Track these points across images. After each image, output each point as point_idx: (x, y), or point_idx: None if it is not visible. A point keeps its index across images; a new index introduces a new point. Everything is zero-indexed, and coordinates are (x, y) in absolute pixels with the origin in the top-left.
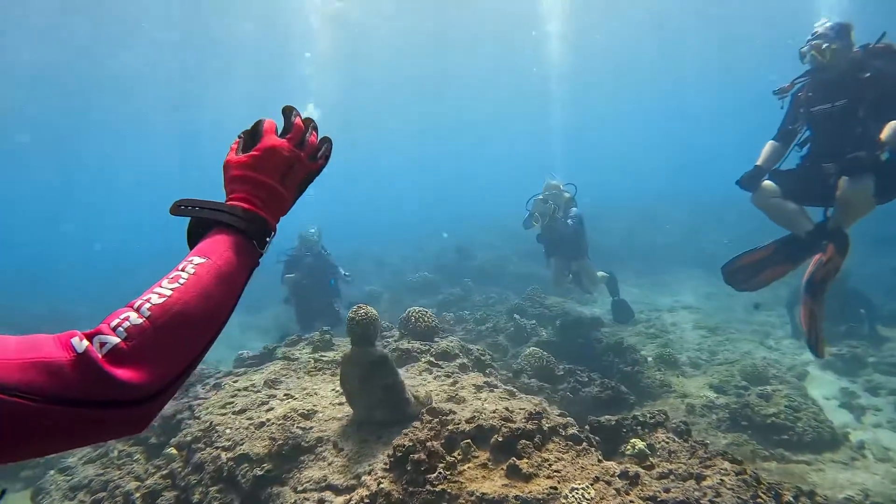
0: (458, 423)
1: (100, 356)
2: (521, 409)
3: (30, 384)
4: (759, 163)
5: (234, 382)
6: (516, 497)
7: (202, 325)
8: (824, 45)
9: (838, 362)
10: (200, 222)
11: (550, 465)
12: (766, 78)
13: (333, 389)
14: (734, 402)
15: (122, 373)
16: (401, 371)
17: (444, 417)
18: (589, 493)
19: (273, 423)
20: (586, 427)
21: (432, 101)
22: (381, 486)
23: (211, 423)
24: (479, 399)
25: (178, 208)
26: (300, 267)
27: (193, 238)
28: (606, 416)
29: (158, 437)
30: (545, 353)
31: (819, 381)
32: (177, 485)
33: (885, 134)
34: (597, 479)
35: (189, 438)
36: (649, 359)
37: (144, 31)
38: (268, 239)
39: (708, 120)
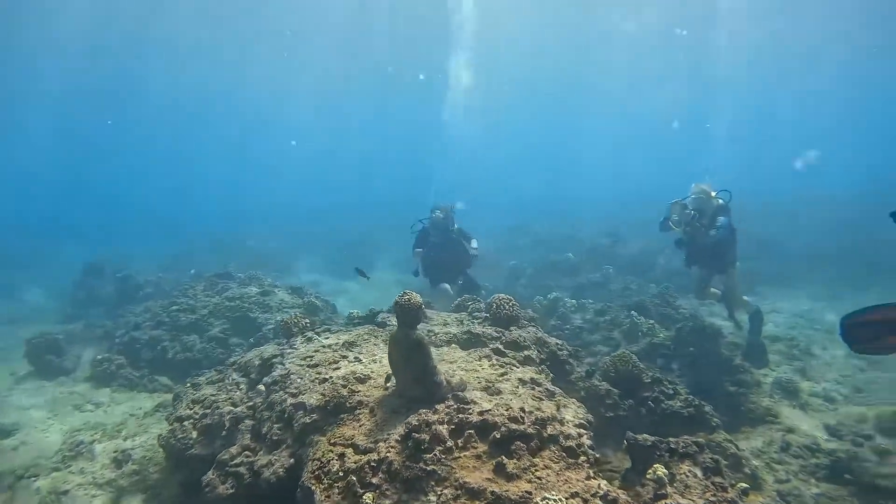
0: (471, 414)
1: None
2: (537, 411)
3: None
4: None
5: (324, 339)
6: (492, 493)
7: None
8: None
9: None
10: None
11: (536, 470)
12: None
13: None
14: (844, 450)
15: None
16: (462, 354)
17: (462, 405)
18: None
19: (331, 381)
20: (624, 441)
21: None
22: (388, 454)
23: (289, 371)
24: (514, 394)
25: None
26: (426, 243)
27: None
28: (645, 435)
29: (258, 374)
30: (635, 357)
31: None
32: (255, 416)
33: None
34: (575, 495)
35: (270, 381)
36: (763, 382)
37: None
38: None
39: None
